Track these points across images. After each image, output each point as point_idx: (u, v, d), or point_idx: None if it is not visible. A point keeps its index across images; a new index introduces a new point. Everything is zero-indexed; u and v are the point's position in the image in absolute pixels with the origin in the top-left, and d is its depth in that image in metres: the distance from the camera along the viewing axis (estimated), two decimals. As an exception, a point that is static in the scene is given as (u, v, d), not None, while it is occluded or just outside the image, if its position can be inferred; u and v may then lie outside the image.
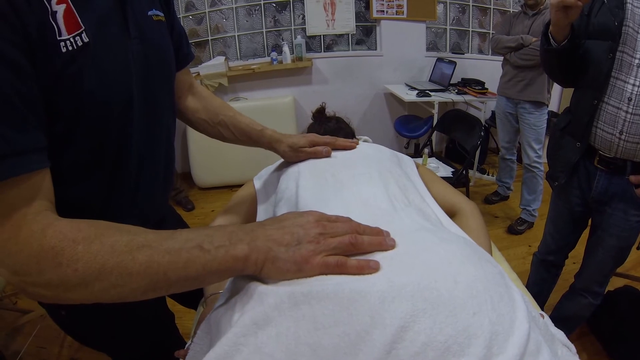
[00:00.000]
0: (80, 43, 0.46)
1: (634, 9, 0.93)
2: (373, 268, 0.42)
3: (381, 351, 0.35)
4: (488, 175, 2.96)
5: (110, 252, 0.39)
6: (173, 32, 0.72)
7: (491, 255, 0.66)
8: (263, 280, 0.44)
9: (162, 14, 0.66)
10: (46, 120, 0.45)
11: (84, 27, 0.47)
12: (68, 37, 0.45)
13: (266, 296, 0.41)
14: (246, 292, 0.43)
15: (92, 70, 0.48)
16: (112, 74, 0.52)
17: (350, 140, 0.82)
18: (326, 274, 0.42)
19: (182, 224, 0.96)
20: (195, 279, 0.42)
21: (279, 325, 0.39)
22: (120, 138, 0.56)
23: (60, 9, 0.44)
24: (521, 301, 0.43)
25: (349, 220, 0.48)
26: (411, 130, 3.02)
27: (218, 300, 0.50)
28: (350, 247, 0.44)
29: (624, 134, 0.98)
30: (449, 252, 0.46)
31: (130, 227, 0.43)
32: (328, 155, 0.78)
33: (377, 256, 0.44)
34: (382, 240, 0.46)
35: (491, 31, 3.23)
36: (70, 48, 0.45)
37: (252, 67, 2.94)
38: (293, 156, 0.79)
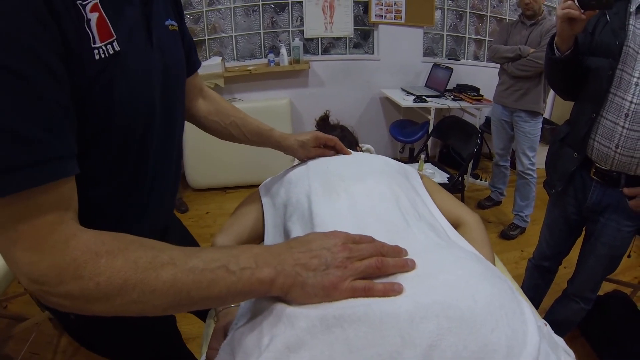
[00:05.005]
0: (111, 51, 0.46)
1: (635, 30, 0.96)
2: (397, 291, 0.43)
3: None
4: (481, 180, 3.00)
5: (134, 268, 0.39)
6: (184, 40, 0.73)
7: (494, 265, 0.68)
8: (288, 302, 0.44)
9: (176, 24, 0.67)
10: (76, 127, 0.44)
11: (115, 36, 0.47)
12: (101, 44, 0.45)
13: (297, 319, 0.41)
14: (272, 314, 0.44)
15: (122, 79, 0.48)
16: (139, 83, 0.52)
17: (347, 150, 0.90)
18: (353, 298, 0.43)
19: (184, 231, 0.96)
20: (217, 299, 0.42)
21: (312, 348, 0.39)
22: (140, 146, 0.56)
23: (93, 17, 0.44)
24: (530, 314, 0.46)
25: (372, 240, 0.49)
26: (406, 135, 3.05)
27: (238, 319, 0.50)
28: (377, 271, 0.45)
29: (620, 147, 1.01)
30: (465, 271, 0.48)
31: (155, 242, 0.43)
32: (334, 155, 0.88)
33: (400, 277, 0.46)
34: (404, 263, 0.47)
35: (487, 38, 3.28)
36: (103, 56, 0.45)
37: (249, 68, 2.93)
38: (303, 154, 0.88)
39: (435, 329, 0.39)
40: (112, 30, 0.47)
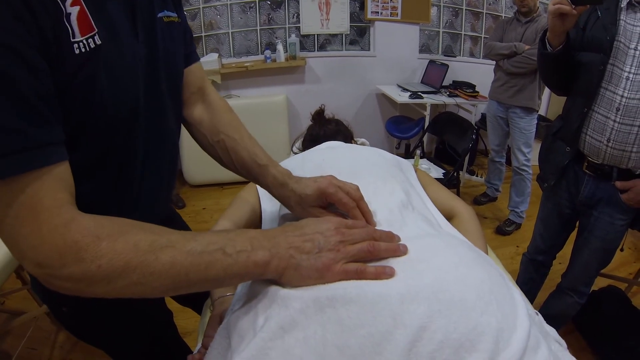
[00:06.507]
0: (92, 45, 0.46)
1: (626, 25, 0.98)
2: (389, 274, 0.44)
3: (403, 350, 0.38)
4: (477, 176, 3.02)
5: (134, 251, 0.40)
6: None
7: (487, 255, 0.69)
8: (281, 284, 0.46)
9: (174, 14, 0.64)
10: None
11: (97, 30, 0.46)
12: (81, 39, 0.44)
13: (290, 301, 0.43)
14: (266, 296, 0.45)
15: (104, 73, 0.48)
16: (122, 78, 0.51)
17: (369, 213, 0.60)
18: (345, 280, 0.44)
19: (183, 226, 0.96)
20: (215, 281, 0.44)
21: (306, 328, 0.41)
22: (126, 141, 0.56)
23: (74, 11, 0.44)
24: (521, 300, 0.47)
25: (365, 225, 0.51)
26: (402, 131, 3.06)
27: (234, 304, 0.51)
28: (369, 255, 0.47)
29: (611, 141, 1.03)
30: (455, 257, 0.49)
31: (153, 226, 0.44)
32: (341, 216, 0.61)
33: (392, 261, 0.47)
34: (396, 247, 0.48)
35: (483, 35, 3.29)
36: (83, 50, 0.44)
37: (246, 64, 2.93)
38: (300, 212, 0.65)
39: (426, 310, 0.40)
40: (93, 24, 0.46)
